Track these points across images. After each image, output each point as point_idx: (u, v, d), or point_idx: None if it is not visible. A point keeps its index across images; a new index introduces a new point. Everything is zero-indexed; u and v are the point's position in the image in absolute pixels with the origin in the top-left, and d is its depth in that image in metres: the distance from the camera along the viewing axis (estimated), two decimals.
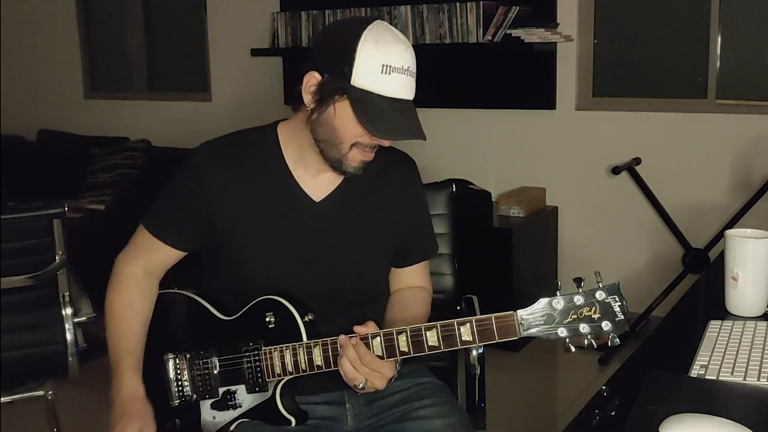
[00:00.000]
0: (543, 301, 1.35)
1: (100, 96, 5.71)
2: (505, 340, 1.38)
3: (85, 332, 2.52)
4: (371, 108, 1.45)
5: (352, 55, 1.43)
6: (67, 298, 2.46)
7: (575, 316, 1.33)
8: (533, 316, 1.35)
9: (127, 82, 5.65)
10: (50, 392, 2.69)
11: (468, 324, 1.38)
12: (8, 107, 5.88)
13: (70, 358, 2.46)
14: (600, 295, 1.32)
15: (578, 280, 1.34)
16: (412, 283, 1.74)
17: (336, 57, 1.46)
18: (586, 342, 1.35)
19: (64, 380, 2.55)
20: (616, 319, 1.32)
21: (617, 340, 1.33)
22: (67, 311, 2.46)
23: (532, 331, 1.35)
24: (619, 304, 1.32)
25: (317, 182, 1.60)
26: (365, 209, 1.63)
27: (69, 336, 2.45)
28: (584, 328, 1.33)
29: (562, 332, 1.34)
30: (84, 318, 2.50)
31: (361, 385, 1.45)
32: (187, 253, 1.68)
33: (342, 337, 1.45)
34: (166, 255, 1.66)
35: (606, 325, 1.32)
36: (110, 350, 1.65)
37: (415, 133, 1.48)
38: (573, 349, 1.36)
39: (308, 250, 1.59)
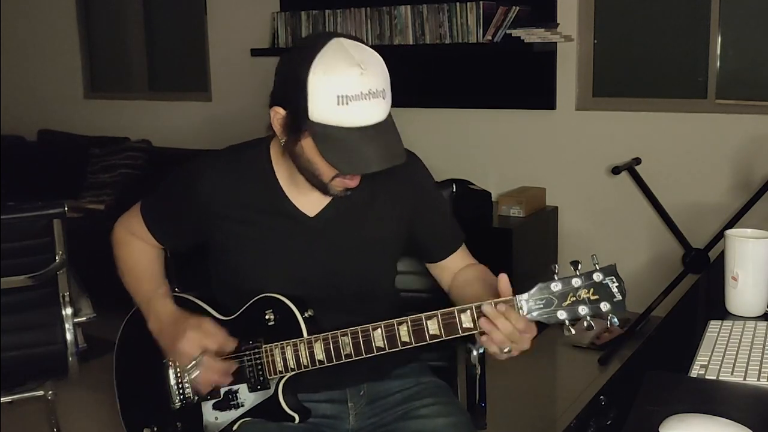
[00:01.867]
0: (541, 285, 1.35)
1: (100, 96, 5.71)
2: None
3: (85, 332, 2.52)
4: (335, 143, 1.38)
5: (305, 90, 1.36)
6: (67, 298, 2.46)
7: (574, 299, 1.33)
8: (532, 300, 1.35)
9: (127, 82, 5.65)
10: (50, 392, 2.69)
11: (468, 311, 1.38)
12: (8, 107, 5.88)
13: (70, 358, 2.46)
14: (597, 276, 1.33)
15: (575, 263, 1.34)
16: (461, 266, 1.71)
17: (292, 92, 1.39)
18: (585, 324, 1.35)
19: (64, 380, 2.55)
20: (614, 299, 1.33)
21: (616, 320, 1.34)
22: (67, 311, 2.46)
23: (532, 314, 1.35)
24: (617, 285, 1.33)
25: (310, 198, 1.57)
26: (363, 218, 1.60)
27: (69, 336, 2.45)
28: (583, 309, 1.33)
29: (562, 315, 1.34)
30: (84, 318, 2.50)
31: (507, 348, 1.38)
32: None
33: (487, 305, 1.36)
34: (153, 241, 1.70)
35: (605, 306, 1.33)
36: (136, 296, 1.68)
37: (391, 158, 1.40)
38: (573, 331, 1.35)
39: (305, 265, 1.58)
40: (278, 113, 1.45)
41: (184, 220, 1.64)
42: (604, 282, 1.33)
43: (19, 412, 3.00)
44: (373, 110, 1.38)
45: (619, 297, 1.32)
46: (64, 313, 2.46)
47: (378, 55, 1.43)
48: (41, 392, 2.69)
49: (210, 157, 1.63)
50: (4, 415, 2.85)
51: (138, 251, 1.72)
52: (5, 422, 2.93)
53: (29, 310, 2.44)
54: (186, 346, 1.53)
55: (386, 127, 1.42)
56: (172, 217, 1.66)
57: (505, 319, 1.35)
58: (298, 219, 1.57)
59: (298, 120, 1.40)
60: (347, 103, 1.35)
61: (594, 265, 1.34)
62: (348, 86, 1.35)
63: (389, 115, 1.43)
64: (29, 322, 2.44)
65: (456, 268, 1.71)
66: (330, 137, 1.38)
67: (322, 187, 1.50)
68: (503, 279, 1.39)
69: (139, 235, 1.71)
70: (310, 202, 1.58)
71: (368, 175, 1.51)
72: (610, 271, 1.33)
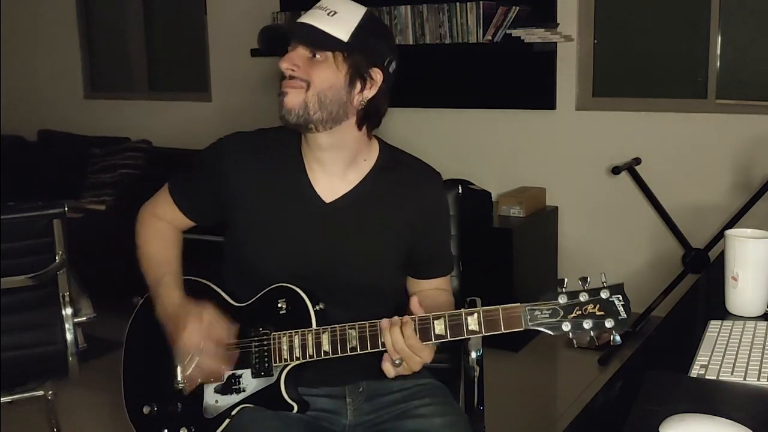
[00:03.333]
0: (550, 297, 1.38)
1: (100, 96, 5.71)
2: (510, 330, 1.40)
3: (85, 332, 2.52)
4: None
5: None
6: (67, 298, 2.46)
7: (579, 312, 1.37)
8: (539, 310, 1.38)
9: (127, 82, 5.65)
10: (50, 392, 2.69)
11: (476, 314, 1.41)
12: (8, 107, 5.87)
13: (70, 358, 2.46)
14: (604, 293, 1.36)
15: (584, 280, 1.38)
16: (431, 288, 1.74)
17: None
18: (588, 339, 1.38)
19: (64, 380, 2.55)
20: (619, 317, 1.36)
21: (618, 338, 1.37)
22: (67, 311, 2.46)
23: (537, 323, 1.38)
24: (623, 303, 1.36)
25: (332, 184, 1.61)
26: (376, 214, 1.63)
27: (69, 336, 2.45)
28: (587, 324, 1.36)
29: (566, 327, 1.37)
30: (84, 318, 2.50)
31: (397, 361, 1.45)
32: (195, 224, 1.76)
33: (385, 321, 1.45)
34: (182, 219, 1.73)
35: (609, 323, 1.36)
36: (148, 279, 1.70)
37: (293, 32, 1.53)
38: (575, 344, 1.39)
39: (313, 248, 1.60)
40: None
41: (208, 192, 1.67)
42: (610, 299, 1.36)
43: (19, 412, 3.00)
44: (312, 14, 1.53)
45: (623, 315, 1.36)
46: (64, 313, 2.46)
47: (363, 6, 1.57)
48: (41, 392, 2.69)
49: (238, 134, 1.68)
50: (4, 415, 2.85)
51: (156, 233, 1.74)
52: (5, 422, 2.93)
53: (29, 310, 2.44)
54: (185, 339, 1.54)
55: (311, 29, 1.51)
56: (196, 190, 1.70)
57: (399, 333, 1.42)
58: (314, 202, 1.61)
59: None
60: (312, 8, 1.55)
61: (602, 282, 1.37)
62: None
63: (327, 33, 1.51)
64: (29, 322, 2.44)
65: (429, 287, 1.73)
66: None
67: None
68: (413, 300, 1.47)
69: (162, 216, 1.74)
70: (330, 188, 1.61)
71: (395, 178, 1.62)
72: (617, 289, 1.37)
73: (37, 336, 2.45)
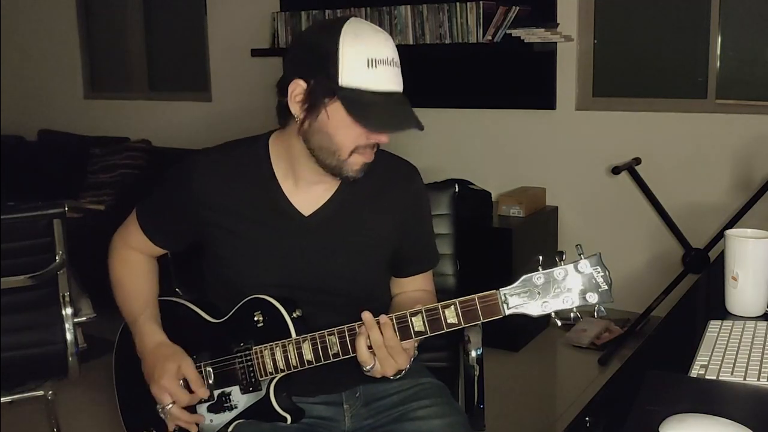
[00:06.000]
0: (525, 278, 1.33)
1: (100, 96, 5.71)
2: (490, 319, 1.36)
3: (85, 332, 2.52)
4: (364, 105, 1.39)
5: (335, 55, 1.38)
6: (67, 298, 2.46)
7: (558, 290, 1.31)
8: (516, 293, 1.33)
9: (127, 82, 5.65)
10: (50, 392, 2.69)
11: (452, 306, 1.37)
12: (8, 107, 5.87)
13: (70, 358, 2.46)
14: (582, 266, 1.31)
15: (560, 254, 1.32)
16: (413, 289, 1.72)
17: (319, 60, 1.40)
18: (572, 316, 1.34)
19: (64, 380, 2.55)
20: (600, 289, 1.31)
21: (603, 310, 1.32)
22: (67, 311, 2.45)
23: (516, 308, 1.33)
24: (602, 274, 1.30)
25: (308, 196, 1.57)
26: (358, 222, 1.60)
27: (69, 336, 2.45)
28: (568, 301, 1.32)
29: (547, 307, 1.32)
30: (84, 318, 2.50)
31: (368, 367, 1.43)
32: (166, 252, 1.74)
33: (367, 314, 1.41)
34: (152, 247, 1.70)
35: (591, 297, 1.31)
36: (125, 313, 1.69)
37: (413, 123, 1.43)
38: (559, 323, 1.34)
39: (297, 263, 1.57)
40: (299, 85, 1.43)
41: (178, 217, 1.63)
42: (588, 272, 1.31)
43: (19, 412, 3.00)
44: (396, 77, 1.43)
45: (604, 287, 1.30)
46: (64, 313, 2.45)
47: None
48: (41, 392, 2.68)
49: (203, 153, 1.63)
50: (4, 415, 2.85)
51: (130, 265, 1.71)
52: (5, 422, 2.93)
53: (29, 310, 2.43)
54: (158, 393, 1.55)
55: (404, 99, 1.45)
56: (166, 215, 1.65)
57: (378, 332, 1.39)
58: (293, 216, 1.57)
59: (326, 87, 1.40)
60: (376, 66, 1.39)
61: (579, 255, 1.32)
62: (377, 50, 1.40)
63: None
64: (29, 322, 2.44)
65: (411, 288, 1.72)
66: (360, 101, 1.39)
67: (336, 168, 1.48)
68: (365, 314, 1.42)
69: (135, 245, 1.70)
70: (306, 201, 1.57)
71: (371, 178, 1.53)
72: (595, 260, 1.31)
73: (37, 336, 2.45)
